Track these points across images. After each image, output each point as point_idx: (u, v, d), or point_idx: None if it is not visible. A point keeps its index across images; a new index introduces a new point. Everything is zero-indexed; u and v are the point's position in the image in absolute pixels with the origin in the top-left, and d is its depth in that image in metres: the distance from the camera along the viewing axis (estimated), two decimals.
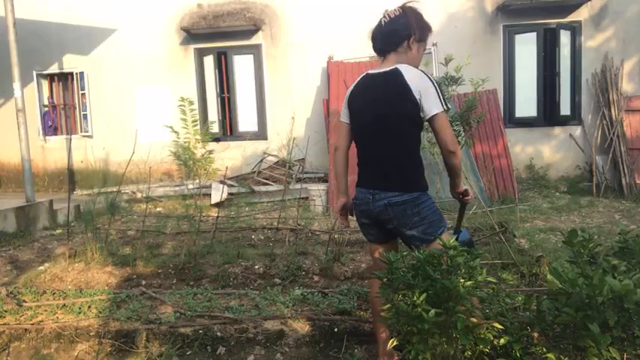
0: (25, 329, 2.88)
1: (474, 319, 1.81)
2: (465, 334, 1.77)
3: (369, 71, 2.27)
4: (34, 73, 9.14)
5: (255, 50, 8.88)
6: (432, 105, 2.02)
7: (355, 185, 2.29)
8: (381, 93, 2.13)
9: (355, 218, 2.36)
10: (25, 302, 3.23)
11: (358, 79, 2.31)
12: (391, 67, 2.14)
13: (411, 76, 2.06)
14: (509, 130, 8.06)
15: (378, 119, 2.14)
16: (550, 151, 8.41)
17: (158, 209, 7.24)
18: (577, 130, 8.35)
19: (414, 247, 2.05)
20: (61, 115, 9.68)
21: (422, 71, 2.11)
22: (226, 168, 5.79)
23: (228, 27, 8.53)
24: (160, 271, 3.99)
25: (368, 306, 2.98)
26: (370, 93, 2.20)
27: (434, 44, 8.26)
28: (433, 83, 2.05)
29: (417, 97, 2.03)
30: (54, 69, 9.23)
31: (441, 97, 2.04)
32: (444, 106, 2.03)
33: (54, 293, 3.39)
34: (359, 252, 4.35)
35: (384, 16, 2.23)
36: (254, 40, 8.82)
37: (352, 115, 2.29)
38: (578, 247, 1.96)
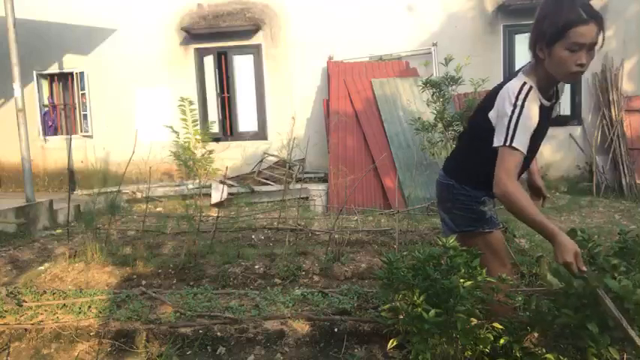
0: (25, 329, 2.88)
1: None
2: (465, 334, 1.77)
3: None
4: (34, 73, 9.14)
5: (255, 50, 8.89)
6: (496, 135, 1.81)
7: None
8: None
9: None
10: (25, 302, 3.22)
11: None
12: (512, 80, 1.89)
13: (500, 96, 1.86)
14: None
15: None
16: (550, 151, 8.40)
17: (158, 209, 7.24)
18: (577, 130, 8.35)
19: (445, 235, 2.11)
20: (61, 115, 9.68)
21: (517, 95, 1.78)
22: (226, 168, 5.79)
23: (228, 27, 8.53)
24: (160, 271, 3.98)
25: (368, 306, 2.99)
26: None
27: (434, 44, 8.27)
28: (512, 114, 1.76)
29: (494, 121, 1.86)
30: (54, 69, 9.23)
31: (511, 131, 1.75)
32: (508, 142, 1.75)
33: (54, 293, 3.38)
34: (359, 252, 4.35)
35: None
36: (254, 40, 8.82)
37: None
38: None
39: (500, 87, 1.92)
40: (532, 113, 1.77)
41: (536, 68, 1.85)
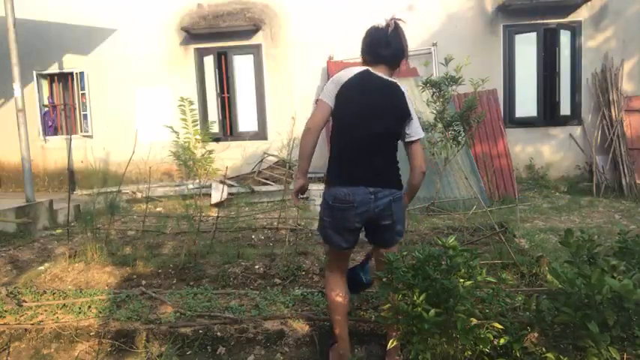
0: (25, 329, 2.88)
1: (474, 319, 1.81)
2: (465, 334, 1.77)
3: (370, 69, 2.27)
4: (34, 73, 9.14)
5: (255, 50, 8.88)
6: (418, 129, 2.32)
7: (336, 185, 2.22)
8: (388, 103, 2.26)
9: (333, 223, 2.23)
10: (25, 302, 3.23)
11: (356, 70, 2.24)
12: (392, 80, 2.31)
13: (407, 99, 2.31)
14: (509, 130, 8.06)
15: (383, 129, 2.25)
16: (550, 151, 8.40)
17: (158, 209, 7.24)
18: (577, 130, 8.35)
19: (393, 243, 2.32)
20: (61, 115, 9.68)
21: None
22: (226, 168, 5.78)
23: (228, 27, 8.53)
24: (160, 271, 3.98)
25: (368, 306, 2.99)
26: (373, 96, 2.23)
27: (434, 44, 8.27)
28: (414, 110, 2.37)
29: (410, 119, 2.30)
30: (54, 69, 9.23)
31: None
32: (422, 133, 2.38)
33: (54, 293, 3.39)
34: (359, 252, 4.34)
35: (397, 27, 2.36)
36: (254, 40, 8.82)
37: (345, 107, 2.21)
38: (575, 248, 1.96)
39: (397, 96, 2.30)
40: None
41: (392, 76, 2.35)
